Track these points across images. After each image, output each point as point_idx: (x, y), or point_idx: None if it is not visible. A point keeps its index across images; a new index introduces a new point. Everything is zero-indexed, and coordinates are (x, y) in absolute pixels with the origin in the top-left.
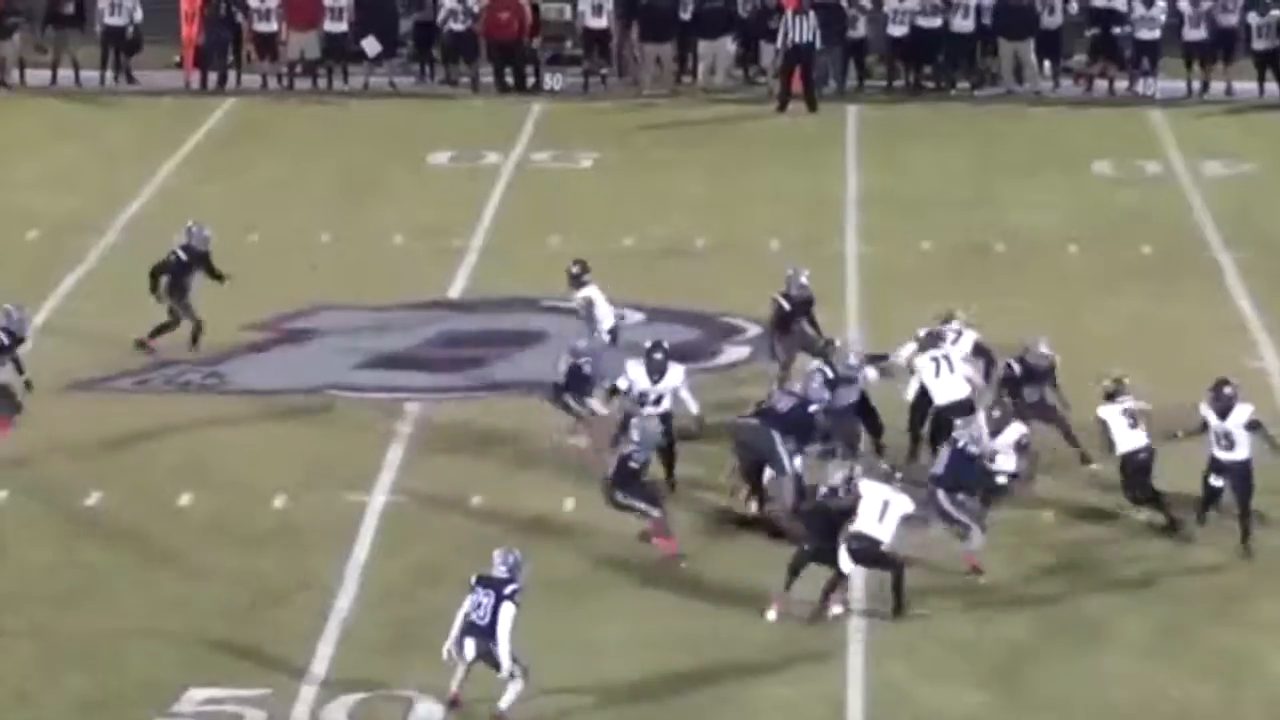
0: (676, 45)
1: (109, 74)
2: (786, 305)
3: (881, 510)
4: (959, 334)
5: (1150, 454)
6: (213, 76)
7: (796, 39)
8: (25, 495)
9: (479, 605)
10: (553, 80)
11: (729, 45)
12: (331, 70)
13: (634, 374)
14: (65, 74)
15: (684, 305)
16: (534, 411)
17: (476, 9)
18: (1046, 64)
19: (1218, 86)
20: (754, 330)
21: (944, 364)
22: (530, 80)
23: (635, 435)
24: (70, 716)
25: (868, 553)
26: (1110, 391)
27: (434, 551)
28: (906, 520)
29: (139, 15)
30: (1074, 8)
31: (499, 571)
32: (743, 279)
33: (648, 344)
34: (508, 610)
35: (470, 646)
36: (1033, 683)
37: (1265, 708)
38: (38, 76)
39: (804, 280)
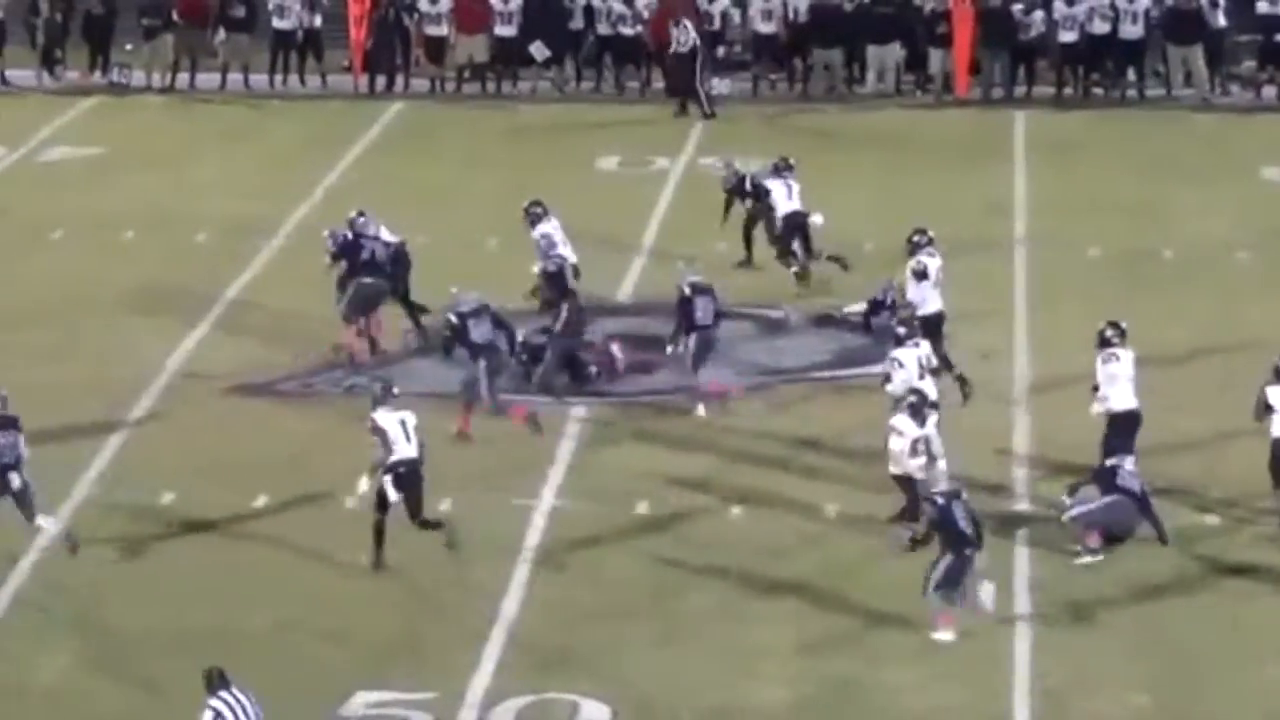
0: (845, 51)
1: (279, 77)
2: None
3: (404, 431)
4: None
5: None
6: (381, 80)
7: (677, 49)
8: (194, 497)
9: None
10: (720, 85)
11: (898, 50)
12: (500, 74)
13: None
14: (235, 77)
15: (851, 307)
16: (701, 416)
17: (646, 15)
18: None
19: None
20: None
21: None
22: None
23: None
24: None
25: (412, 475)
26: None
27: (600, 556)
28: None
29: (317, 20)
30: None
31: None
32: None
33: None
34: None
35: None
36: (1196, 688)
37: None
38: (208, 80)
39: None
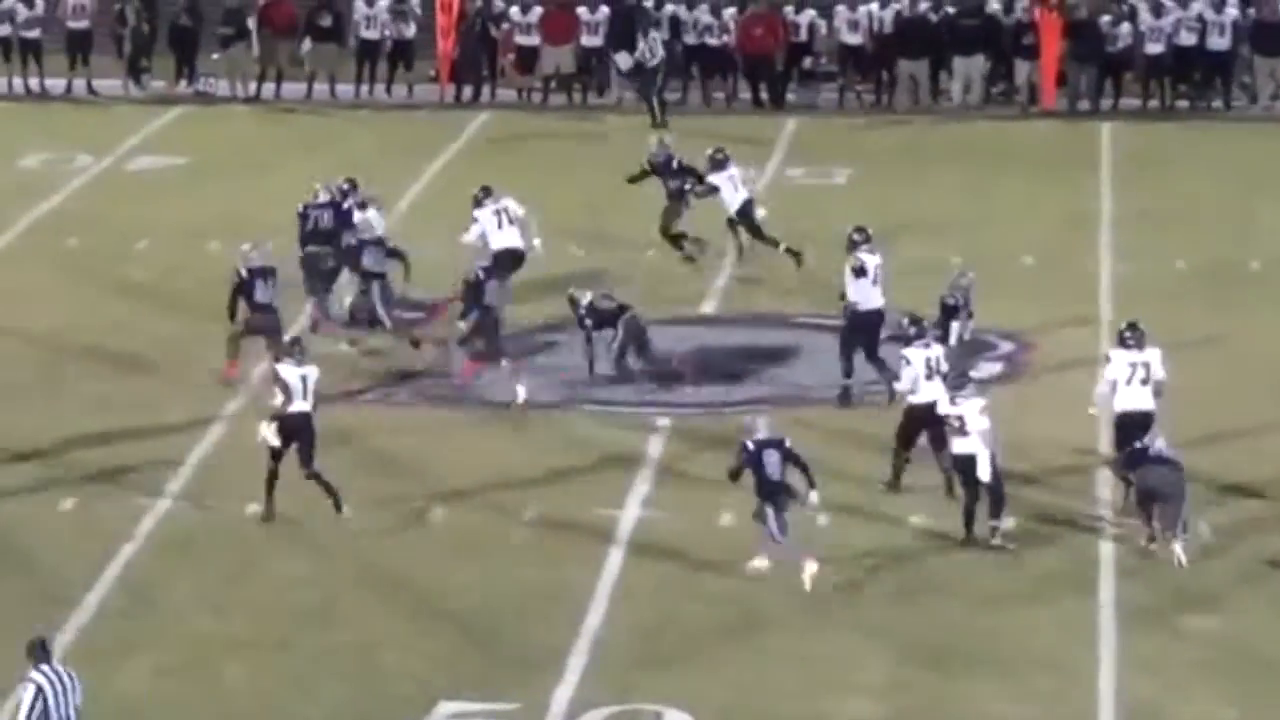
0: (931, 62)
1: (364, 87)
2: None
3: (303, 386)
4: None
5: None
6: (467, 90)
7: (641, 59)
8: (277, 507)
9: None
10: (806, 96)
11: (983, 61)
12: (586, 84)
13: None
14: (321, 87)
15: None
16: (783, 427)
17: (732, 25)
18: None
19: None
20: (1006, 346)
21: None
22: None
23: None
24: None
25: (301, 427)
26: None
27: (684, 566)
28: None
29: (409, 31)
30: None
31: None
32: (997, 296)
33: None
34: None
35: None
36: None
37: None
38: (294, 90)
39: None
